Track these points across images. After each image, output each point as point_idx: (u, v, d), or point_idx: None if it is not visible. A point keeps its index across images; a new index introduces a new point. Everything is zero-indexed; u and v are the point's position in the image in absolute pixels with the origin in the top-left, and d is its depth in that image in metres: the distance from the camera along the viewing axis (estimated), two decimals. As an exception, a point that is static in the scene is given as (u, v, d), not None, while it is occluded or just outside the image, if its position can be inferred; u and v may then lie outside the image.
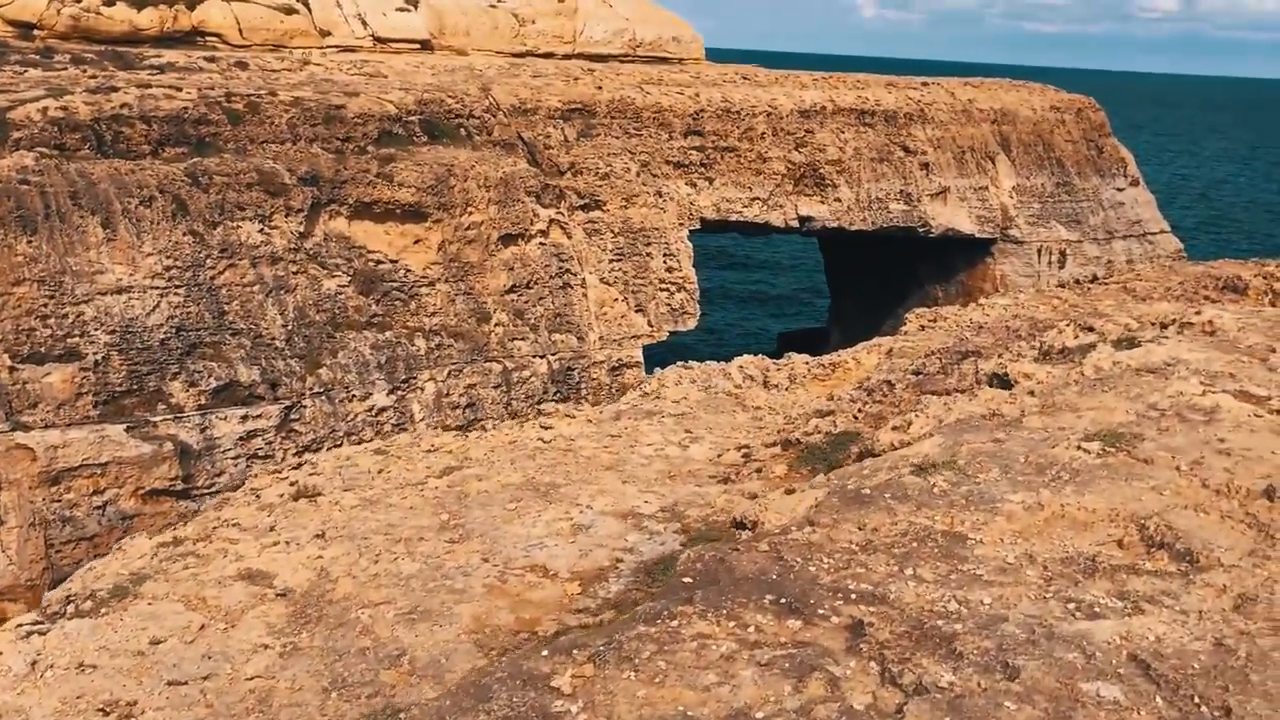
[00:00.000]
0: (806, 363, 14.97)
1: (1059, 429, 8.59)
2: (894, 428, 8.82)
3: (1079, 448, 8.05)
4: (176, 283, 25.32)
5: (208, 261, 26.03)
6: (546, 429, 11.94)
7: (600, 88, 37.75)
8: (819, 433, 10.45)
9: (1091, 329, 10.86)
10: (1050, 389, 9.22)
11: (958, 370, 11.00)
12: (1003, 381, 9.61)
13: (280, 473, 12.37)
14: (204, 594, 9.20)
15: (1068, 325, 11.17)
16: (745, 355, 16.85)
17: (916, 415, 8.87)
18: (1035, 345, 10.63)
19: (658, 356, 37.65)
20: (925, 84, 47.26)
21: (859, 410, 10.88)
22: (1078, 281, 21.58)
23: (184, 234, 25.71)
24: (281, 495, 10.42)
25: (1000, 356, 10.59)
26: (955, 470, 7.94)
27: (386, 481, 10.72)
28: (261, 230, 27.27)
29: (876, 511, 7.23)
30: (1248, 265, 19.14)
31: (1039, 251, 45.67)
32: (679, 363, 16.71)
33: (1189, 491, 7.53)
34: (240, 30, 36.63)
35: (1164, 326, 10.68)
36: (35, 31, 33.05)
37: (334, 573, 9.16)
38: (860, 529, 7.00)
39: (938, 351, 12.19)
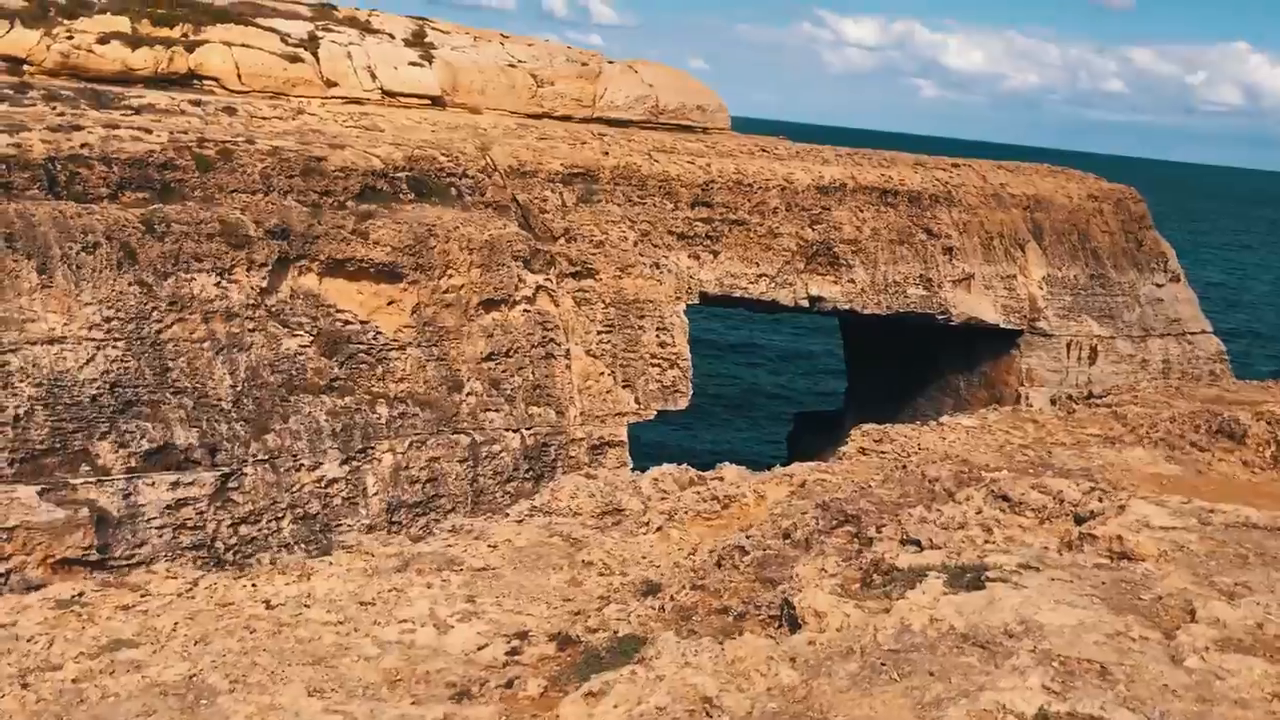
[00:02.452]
0: (698, 493, 12.73)
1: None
2: (590, 694, 6.56)
3: None
4: (116, 335, 23.80)
5: (154, 314, 24.51)
6: (303, 579, 9.66)
7: (606, 153, 36.23)
8: (606, 630, 8.25)
9: (1006, 499, 8.61)
10: (822, 658, 6.66)
11: (820, 545, 8.79)
12: (792, 616, 7.33)
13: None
14: None
15: (979, 489, 8.96)
16: (666, 465, 14.80)
17: (622, 680, 6.53)
18: (895, 533, 8.29)
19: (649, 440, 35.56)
20: (956, 165, 45.30)
21: (674, 594, 8.62)
22: (1069, 398, 19.42)
23: (130, 284, 24.25)
24: None
25: (828, 561, 8.08)
26: None
27: (17, 663, 8.32)
28: (218, 284, 25.76)
29: None
30: (1271, 389, 16.81)
31: (1068, 346, 43.15)
32: (584, 471, 14.73)
33: None
34: (240, 76, 35.60)
35: (1079, 520, 8.24)
36: (25, 67, 32.23)
37: None
38: None
39: (823, 506, 9.96)
